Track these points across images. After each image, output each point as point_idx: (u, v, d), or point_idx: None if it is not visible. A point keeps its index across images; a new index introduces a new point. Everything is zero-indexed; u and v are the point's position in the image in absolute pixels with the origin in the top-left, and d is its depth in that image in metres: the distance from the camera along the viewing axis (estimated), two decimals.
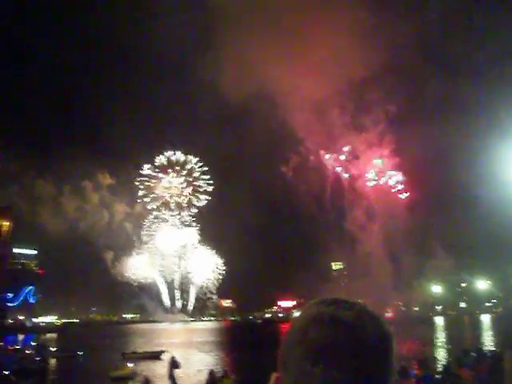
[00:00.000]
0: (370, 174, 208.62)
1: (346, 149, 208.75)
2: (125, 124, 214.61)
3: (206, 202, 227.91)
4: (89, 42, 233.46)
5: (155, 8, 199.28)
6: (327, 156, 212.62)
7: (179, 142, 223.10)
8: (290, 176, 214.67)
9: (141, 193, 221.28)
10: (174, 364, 18.78)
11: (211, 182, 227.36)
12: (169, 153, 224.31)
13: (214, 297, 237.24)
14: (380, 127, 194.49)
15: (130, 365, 38.15)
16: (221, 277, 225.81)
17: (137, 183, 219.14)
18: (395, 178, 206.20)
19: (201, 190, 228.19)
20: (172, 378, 18.50)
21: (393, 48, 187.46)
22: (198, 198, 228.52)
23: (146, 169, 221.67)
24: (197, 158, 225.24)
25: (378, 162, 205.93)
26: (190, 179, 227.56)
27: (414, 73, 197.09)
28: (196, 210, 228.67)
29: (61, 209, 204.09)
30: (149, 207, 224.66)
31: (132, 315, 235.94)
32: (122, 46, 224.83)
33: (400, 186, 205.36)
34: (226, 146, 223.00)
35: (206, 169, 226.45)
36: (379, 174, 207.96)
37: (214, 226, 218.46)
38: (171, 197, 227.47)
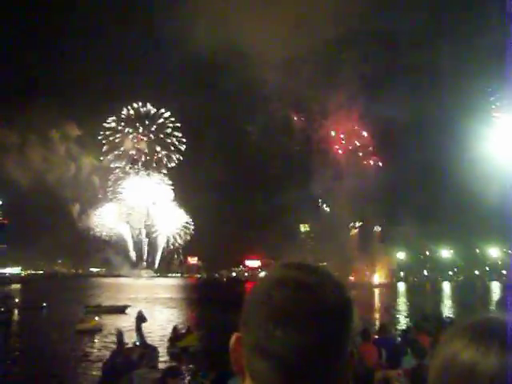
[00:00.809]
0: (339, 136, 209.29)
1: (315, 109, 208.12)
2: (93, 74, 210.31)
3: (177, 161, 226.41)
4: None
5: None
6: (295, 117, 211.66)
7: (148, 96, 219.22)
8: (255, 136, 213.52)
9: (106, 148, 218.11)
10: (141, 318, 18.90)
11: (183, 139, 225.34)
12: (138, 105, 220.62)
13: (181, 254, 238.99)
14: (352, 89, 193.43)
15: (96, 318, 38.19)
16: (188, 234, 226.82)
17: (100, 137, 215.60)
18: (364, 142, 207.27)
19: (172, 147, 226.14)
20: (139, 331, 18.64)
21: (372, 10, 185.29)
22: (169, 156, 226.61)
23: (111, 121, 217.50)
24: (168, 113, 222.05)
25: (347, 124, 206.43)
26: (161, 135, 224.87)
27: (392, 38, 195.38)
28: (166, 169, 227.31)
29: (26, 159, 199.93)
30: (115, 164, 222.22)
31: (98, 269, 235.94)
32: None
33: (369, 149, 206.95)
34: (196, 102, 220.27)
35: (178, 125, 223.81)
36: (348, 136, 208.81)
37: (183, 184, 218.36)
38: (139, 153, 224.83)
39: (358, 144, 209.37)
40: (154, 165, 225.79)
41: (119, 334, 14.52)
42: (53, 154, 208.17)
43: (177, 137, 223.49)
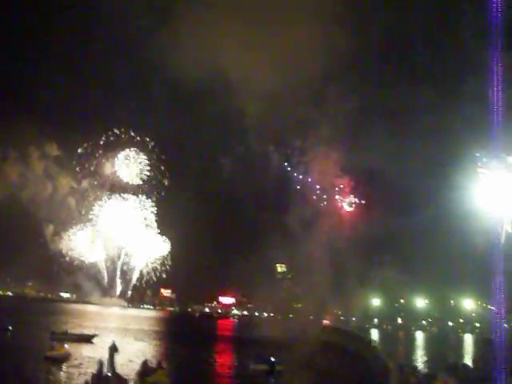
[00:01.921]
0: (316, 176, 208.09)
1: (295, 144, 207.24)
2: (76, 94, 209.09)
3: (157, 188, 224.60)
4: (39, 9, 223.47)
5: None
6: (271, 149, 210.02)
7: (130, 120, 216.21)
8: (228, 167, 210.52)
9: (83, 170, 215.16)
10: (113, 348, 18.16)
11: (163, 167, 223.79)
12: (120, 130, 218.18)
13: (155, 285, 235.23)
14: (334, 125, 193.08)
15: (65, 346, 37.01)
16: (164, 266, 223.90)
17: (74, 162, 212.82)
18: (341, 183, 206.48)
19: (154, 174, 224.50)
20: (111, 362, 17.90)
21: (358, 42, 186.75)
22: (150, 183, 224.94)
23: (91, 145, 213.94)
24: (152, 142, 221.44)
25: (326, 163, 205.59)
26: (143, 161, 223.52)
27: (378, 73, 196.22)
28: (145, 196, 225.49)
29: (2, 174, 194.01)
30: (92, 188, 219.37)
31: (68, 294, 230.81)
32: (71, 18, 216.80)
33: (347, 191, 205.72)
34: (177, 130, 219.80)
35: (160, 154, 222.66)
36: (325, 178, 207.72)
37: (163, 212, 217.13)
38: (125, 178, 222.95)
39: (337, 186, 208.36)
40: (133, 191, 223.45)
41: (100, 365, 14.27)
42: (30, 171, 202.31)
43: (159, 165, 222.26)
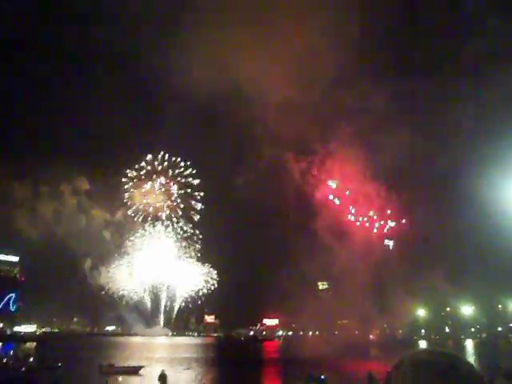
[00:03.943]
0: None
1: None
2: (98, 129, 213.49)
3: (198, 213, 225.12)
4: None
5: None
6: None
7: (158, 148, 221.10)
8: (242, 189, 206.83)
9: (124, 199, 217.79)
10: (163, 377, 17.93)
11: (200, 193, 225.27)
12: (153, 156, 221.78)
13: (198, 312, 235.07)
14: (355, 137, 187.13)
15: (120, 379, 36.98)
16: (206, 292, 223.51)
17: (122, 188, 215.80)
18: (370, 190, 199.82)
19: (191, 199, 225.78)
20: None
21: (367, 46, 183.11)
22: (190, 207, 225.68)
23: (129, 173, 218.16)
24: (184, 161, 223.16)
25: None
26: (178, 188, 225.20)
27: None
28: (185, 222, 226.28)
29: (37, 213, 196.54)
30: (132, 216, 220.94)
31: (113, 327, 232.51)
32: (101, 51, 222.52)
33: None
34: (201, 149, 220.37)
35: (194, 172, 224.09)
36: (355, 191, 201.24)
37: (201, 239, 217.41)
38: (158, 206, 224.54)
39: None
40: (169, 220, 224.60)
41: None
42: (63, 207, 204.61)
43: (195, 189, 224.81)
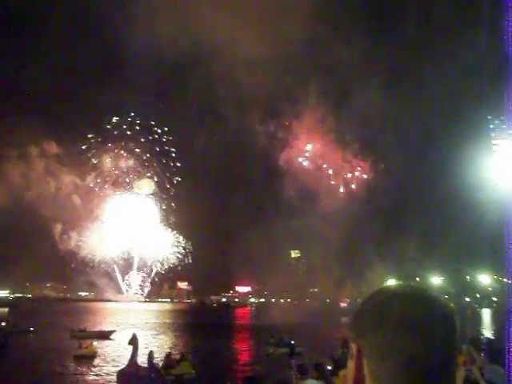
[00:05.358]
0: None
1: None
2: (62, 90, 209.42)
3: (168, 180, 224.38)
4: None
5: None
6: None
7: (128, 109, 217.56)
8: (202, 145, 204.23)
9: (87, 166, 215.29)
10: (135, 339, 18.41)
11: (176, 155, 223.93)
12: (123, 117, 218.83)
13: (171, 278, 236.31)
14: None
15: (94, 343, 37.63)
16: (179, 258, 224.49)
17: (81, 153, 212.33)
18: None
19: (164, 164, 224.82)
20: (135, 354, 18.21)
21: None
22: (160, 174, 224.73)
23: (91, 137, 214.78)
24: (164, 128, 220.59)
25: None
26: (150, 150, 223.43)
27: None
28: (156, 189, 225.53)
29: (5, 176, 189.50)
30: (102, 181, 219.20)
31: (86, 293, 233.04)
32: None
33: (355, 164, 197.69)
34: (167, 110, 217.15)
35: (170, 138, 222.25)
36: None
37: (175, 205, 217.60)
38: (125, 172, 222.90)
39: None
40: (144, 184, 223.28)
41: (151, 355, 15.73)
42: (32, 171, 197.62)
43: (170, 152, 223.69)
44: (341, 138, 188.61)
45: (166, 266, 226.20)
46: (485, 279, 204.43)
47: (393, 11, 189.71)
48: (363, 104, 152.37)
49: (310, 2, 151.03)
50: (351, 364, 1.15)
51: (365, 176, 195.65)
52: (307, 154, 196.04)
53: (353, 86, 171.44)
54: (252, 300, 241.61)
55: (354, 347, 1.18)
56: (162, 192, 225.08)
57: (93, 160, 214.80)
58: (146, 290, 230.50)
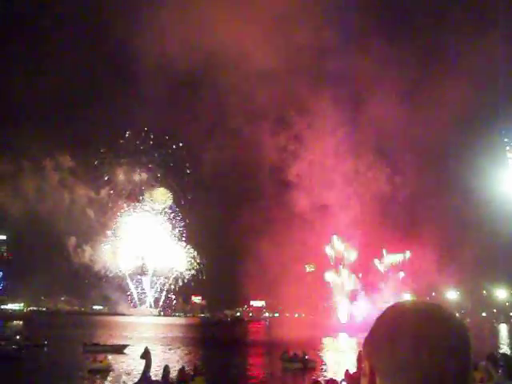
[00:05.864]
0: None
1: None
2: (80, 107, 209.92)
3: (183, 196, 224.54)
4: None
5: None
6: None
7: (143, 124, 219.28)
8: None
9: (101, 180, 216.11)
10: (147, 353, 18.27)
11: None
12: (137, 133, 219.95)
13: (185, 293, 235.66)
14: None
15: (109, 357, 37.51)
16: (193, 272, 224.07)
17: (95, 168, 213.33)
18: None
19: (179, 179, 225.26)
20: (148, 369, 18.09)
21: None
22: (175, 190, 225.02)
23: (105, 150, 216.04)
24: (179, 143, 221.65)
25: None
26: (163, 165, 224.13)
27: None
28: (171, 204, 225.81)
29: (20, 189, 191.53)
30: (116, 194, 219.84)
31: (100, 307, 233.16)
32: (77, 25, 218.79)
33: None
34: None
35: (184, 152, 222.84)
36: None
37: (189, 221, 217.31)
38: (141, 186, 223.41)
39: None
40: (156, 200, 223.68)
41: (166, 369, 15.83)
42: (46, 184, 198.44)
43: (184, 167, 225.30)
44: (354, 149, 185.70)
45: (180, 281, 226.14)
46: (501, 294, 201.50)
47: (408, 21, 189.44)
48: (376, 115, 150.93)
49: (321, 11, 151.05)
50: (364, 382, 1.16)
51: (379, 188, 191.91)
52: (319, 166, 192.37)
53: (365, 96, 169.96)
54: (266, 315, 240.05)
55: (366, 364, 1.18)
56: (176, 206, 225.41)
57: (106, 174, 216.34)
58: (160, 304, 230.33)
